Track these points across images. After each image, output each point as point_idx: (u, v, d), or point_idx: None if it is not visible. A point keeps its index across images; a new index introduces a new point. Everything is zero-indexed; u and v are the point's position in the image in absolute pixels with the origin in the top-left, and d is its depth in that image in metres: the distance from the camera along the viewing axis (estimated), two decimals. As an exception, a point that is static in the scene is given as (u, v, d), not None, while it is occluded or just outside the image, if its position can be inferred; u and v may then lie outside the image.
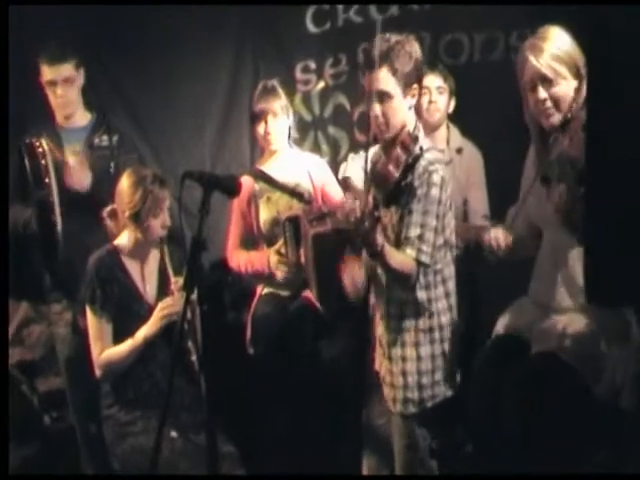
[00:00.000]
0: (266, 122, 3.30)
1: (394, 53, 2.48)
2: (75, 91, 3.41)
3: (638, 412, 2.31)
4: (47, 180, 3.19)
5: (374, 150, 2.73)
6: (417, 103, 2.60)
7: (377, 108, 2.52)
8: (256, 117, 3.34)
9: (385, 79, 2.49)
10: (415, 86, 2.54)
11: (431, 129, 3.53)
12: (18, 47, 3.37)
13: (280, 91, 3.34)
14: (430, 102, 3.48)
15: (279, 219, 3.29)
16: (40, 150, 3.21)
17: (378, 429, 2.82)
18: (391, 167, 2.35)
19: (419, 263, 2.48)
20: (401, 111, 2.53)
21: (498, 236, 2.54)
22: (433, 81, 3.48)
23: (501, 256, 2.54)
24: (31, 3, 3.64)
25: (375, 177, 2.39)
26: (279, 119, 3.32)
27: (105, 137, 3.42)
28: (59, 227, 3.22)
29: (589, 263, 1.57)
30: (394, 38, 2.51)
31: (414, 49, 2.53)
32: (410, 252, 2.46)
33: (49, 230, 3.23)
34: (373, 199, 2.44)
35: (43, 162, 3.20)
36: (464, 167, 3.50)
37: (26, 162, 3.19)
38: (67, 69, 3.34)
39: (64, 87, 3.35)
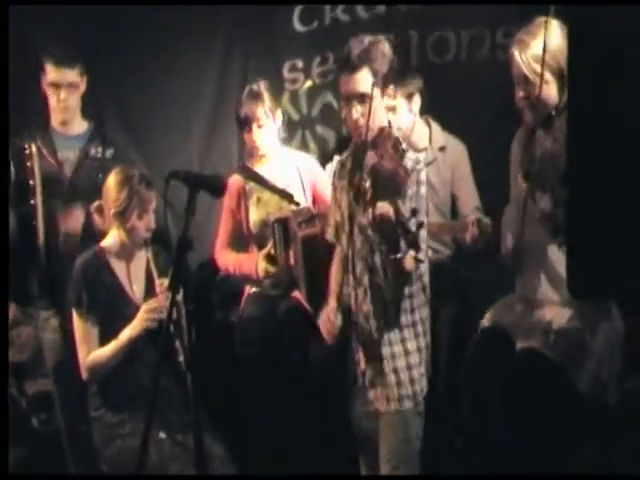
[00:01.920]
0: (251, 131, 3.24)
1: (372, 54, 2.51)
2: (76, 98, 3.39)
3: (623, 406, 2.32)
4: (32, 200, 3.16)
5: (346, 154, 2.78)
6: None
7: (358, 110, 2.55)
8: (241, 123, 3.28)
9: (366, 80, 2.52)
10: (391, 87, 2.58)
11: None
12: (18, 47, 3.36)
13: (265, 95, 3.24)
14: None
15: (269, 221, 3.26)
16: (29, 164, 3.17)
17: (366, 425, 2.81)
18: (401, 172, 2.35)
19: (415, 260, 2.52)
20: (381, 112, 2.57)
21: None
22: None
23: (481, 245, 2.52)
24: (31, 3, 3.62)
25: (390, 184, 2.37)
26: (265, 127, 3.24)
27: (100, 149, 3.39)
28: (42, 244, 3.19)
29: (572, 256, 1.57)
30: (367, 39, 2.54)
31: (387, 49, 2.56)
32: (411, 252, 2.47)
33: (32, 247, 3.21)
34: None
35: (31, 179, 3.16)
36: (448, 163, 3.46)
37: (12, 173, 3.16)
38: (73, 75, 3.33)
39: (68, 92, 3.33)
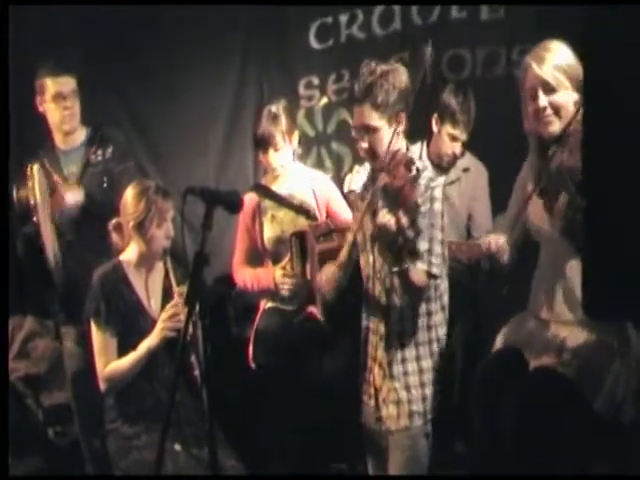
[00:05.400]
0: (267, 153, 3.26)
1: (377, 87, 2.54)
2: (79, 105, 3.41)
3: (639, 426, 2.31)
4: (35, 217, 3.16)
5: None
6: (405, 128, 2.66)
7: (365, 140, 2.61)
8: (258, 144, 3.30)
9: (369, 114, 2.57)
10: (402, 114, 2.60)
11: (438, 166, 3.46)
12: (18, 48, 3.38)
13: (283, 117, 3.24)
14: (445, 154, 3.46)
15: (283, 237, 3.29)
16: (30, 183, 3.15)
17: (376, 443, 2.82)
18: (407, 185, 2.39)
19: (430, 275, 2.55)
20: (387, 140, 2.58)
21: (497, 240, 2.55)
22: (448, 129, 3.44)
23: (500, 261, 2.55)
24: (31, 3, 3.66)
25: (395, 197, 2.41)
26: (281, 150, 3.26)
27: (100, 152, 3.41)
28: (51, 259, 3.20)
29: (587, 277, 1.57)
30: (379, 69, 2.57)
31: (398, 79, 2.58)
32: (421, 265, 2.52)
33: (39, 263, 3.21)
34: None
35: (31, 197, 3.15)
36: (470, 183, 3.51)
37: (14, 194, 3.16)
38: (71, 82, 3.36)
39: (72, 99, 3.36)
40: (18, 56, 3.32)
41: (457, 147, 3.46)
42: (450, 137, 3.44)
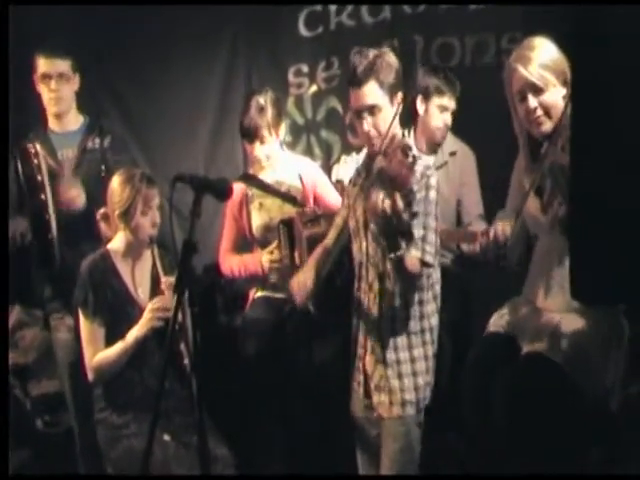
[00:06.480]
0: (254, 145, 3.25)
1: (377, 66, 2.54)
2: (69, 90, 3.39)
3: (628, 413, 2.33)
4: (42, 194, 3.15)
5: (363, 157, 2.79)
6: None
7: (369, 122, 2.58)
8: (244, 135, 3.28)
9: (373, 93, 2.55)
10: (399, 94, 2.59)
11: (431, 146, 3.47)
12: (18, 47, 3.36)
13: (269, 110, 3.23)
14: (437, 128, 3.44)
15: (271, 225, 3.29)
16: (35, 161, 3.16)
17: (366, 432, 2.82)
18: (404, 171, 2.34)
19: (423, 263, 2.53)
20: (390, 121, 2.57)
21: (504, 228, 2.54)
22: (436, 102, 3.42)
23: (502, 249, 2.55)
24: (31, 3, 3.64)
25: (391, 182, 2.36)
26: (267, 143, 3.26)
27: (97, 140, 3.40)
28: (55, 238, 3.19)
29: (575, 261, 1.57)
30: (372, 52, 2.57)
31: (392, 60, 2.59)
32: (415, 253, 2.50)
33: (45, 242, 3.19)
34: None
35: (38, 174, 3.15)
36: (457, 167, 3.50)
37: (19, 171, 3.16)
38: (63, 65, 3.34)
39: (58, 82, 3.34)
40: (18, 56, 3.31)
41: (447, 117, 3.42)
42: (439, 108, 3.40)
